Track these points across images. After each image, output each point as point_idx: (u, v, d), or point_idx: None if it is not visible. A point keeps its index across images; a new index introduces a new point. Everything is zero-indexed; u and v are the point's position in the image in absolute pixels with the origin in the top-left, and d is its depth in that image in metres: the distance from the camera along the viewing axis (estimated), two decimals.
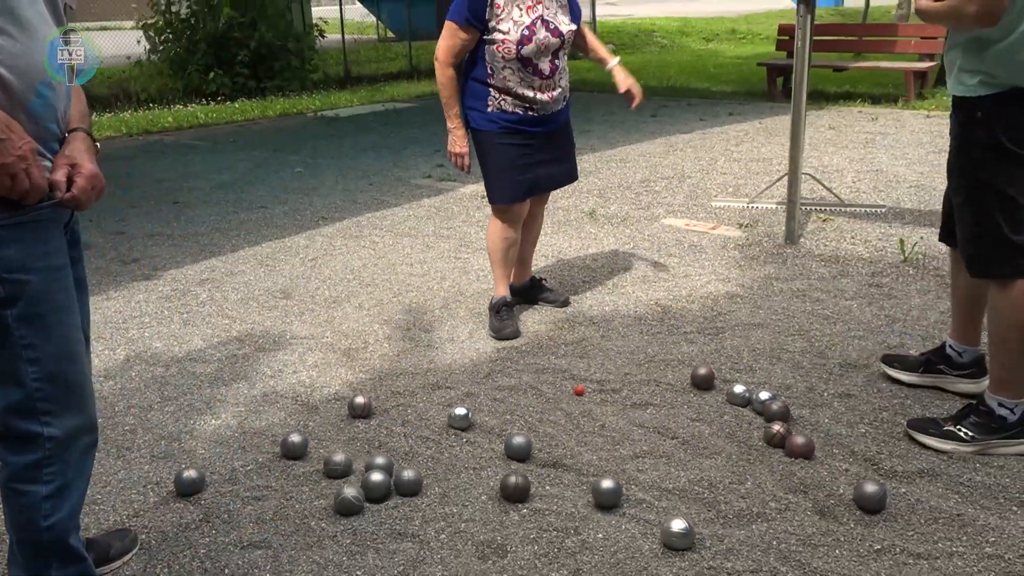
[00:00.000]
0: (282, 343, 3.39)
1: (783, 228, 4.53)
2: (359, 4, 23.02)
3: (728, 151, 6.93)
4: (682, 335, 3.33)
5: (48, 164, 1.56)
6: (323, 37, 14.31)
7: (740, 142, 7.30)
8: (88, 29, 25.13)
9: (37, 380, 1.56)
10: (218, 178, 6.62)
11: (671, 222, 4.95)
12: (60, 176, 1.54)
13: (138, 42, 12.24)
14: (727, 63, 15.19)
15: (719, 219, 4.96)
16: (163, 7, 12.07)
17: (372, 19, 22.65)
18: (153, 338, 3.49)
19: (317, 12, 19.10)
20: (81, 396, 1.65)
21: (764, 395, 2.68)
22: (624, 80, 3.39)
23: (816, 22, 10.14)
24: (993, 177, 2.30)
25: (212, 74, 11.69)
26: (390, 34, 21.44)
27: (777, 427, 2.48)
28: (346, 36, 15.40)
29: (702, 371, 2.87)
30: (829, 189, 5.22)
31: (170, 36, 12.17)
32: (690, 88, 11.57)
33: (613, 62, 3.41)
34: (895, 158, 6.37)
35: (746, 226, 4.78)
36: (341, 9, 15.99)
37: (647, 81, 12.61)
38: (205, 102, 11.17)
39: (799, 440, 2.41)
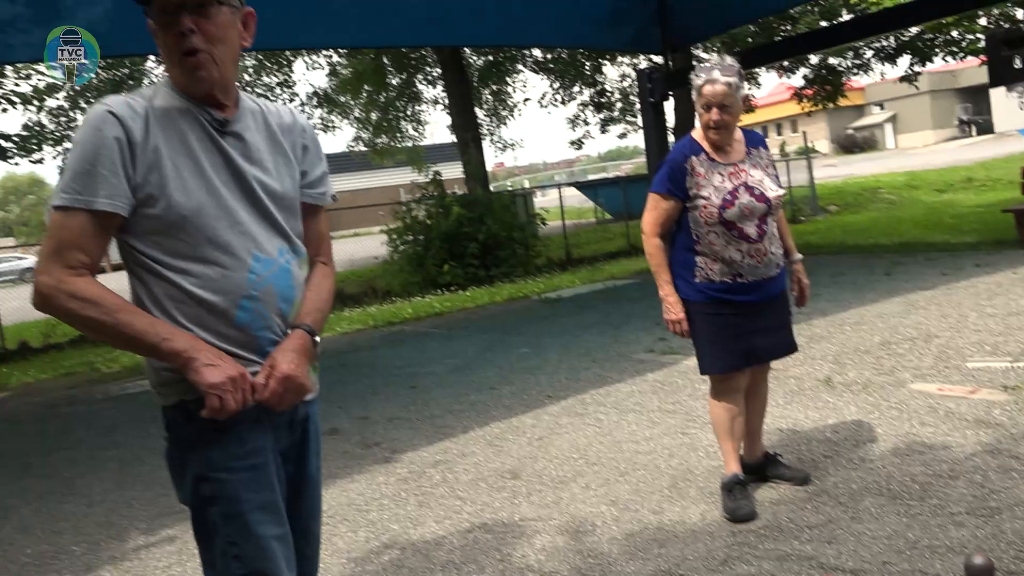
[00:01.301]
0: (511, 525, 3.38)
1: None
2: (577, 191, 24.31)
3: (980, 306, 6.33)
4: (948, 516, 2.93)
5: (258, 367, 1.68)
6: (544, 225, 15.17)
7: (993, 295, 6.67)
8: (342, 236, 28.43)
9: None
10: (451, 362, 7.00)
11: (921, 387, 4.52)
12: (260, 379, 1.65)
13: (383, 244, 13.67)
14: (967, 213, 14.25)
15: (978, 382, 4.47)
16: (404, 213, 13.44)
17: (591, 204, 23.77)
18: (391, 520, 3.61)
19: (540, 203, 20.45)
20: None
21: None
22: (802, 279, 3.45)
23: None
24: None
25: (446, 266, 12.68)
26: (608, 216, 22.34)
27: None
28: (566, 221, 16.25)
29: (978, 560, 2.48)
30: None
31: (409, 237, 13.46)
32: (926, 242, 10.90)
33: (798, 256, 3.44)
34: None
35: (1013, 388, 4.26)
36: (561, 198, 17.01)
37: (877, 238, 12.08)
38: (440, 292, 12.06)
39: None
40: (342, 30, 7.84)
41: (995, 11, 10.99)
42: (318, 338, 1.77)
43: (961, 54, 12.06)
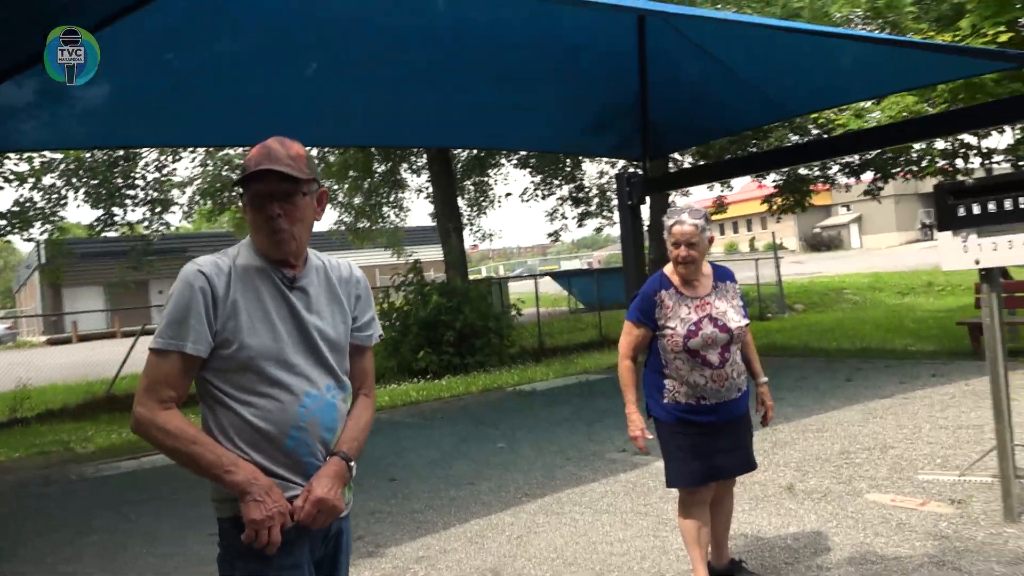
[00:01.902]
0: None
1: (1001, 505, 4.30)
2: (552, 279, 24.81)
3: (933, 417, 6.71)
4: None
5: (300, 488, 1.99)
6: (520, 315, 15.51)
7: (946, 407, 7.06)
8: None
9: None
10: (428, 454, 7.19)
11: (875, 498, 4.83)
12: (298, 503, 1.95)
13: None
14: (926, 317, 14.84)
15: (928, 494, 4.79)
16: (382, 299, 13.73)
17: (565, 293, 24.25)
18: None
19: (514, 287, 20.88)
20: None
21: None
22: (767, 400, 3.76)
23: (1016, 278, 9.94)
24: None
25: (422, 353, 12.90)
26: (580, 305, 22.80)
27: None
28: (540, 309, 16.63)
29: None
30: None
31: (386, 323, 13.71)
32: (887, 348, 11.37)
33: (763, 379, 3.76)
34: None
35: (959, 502, 4.58)
36: (536, 288, 17.43)
37: (840, 341, 12.55)
38: (415, 380, 12.26)
39: None
40: (331, 130, 8.21)
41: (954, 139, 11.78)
42: (353, 464, 2.07)
43: (920, 173, 12.81)
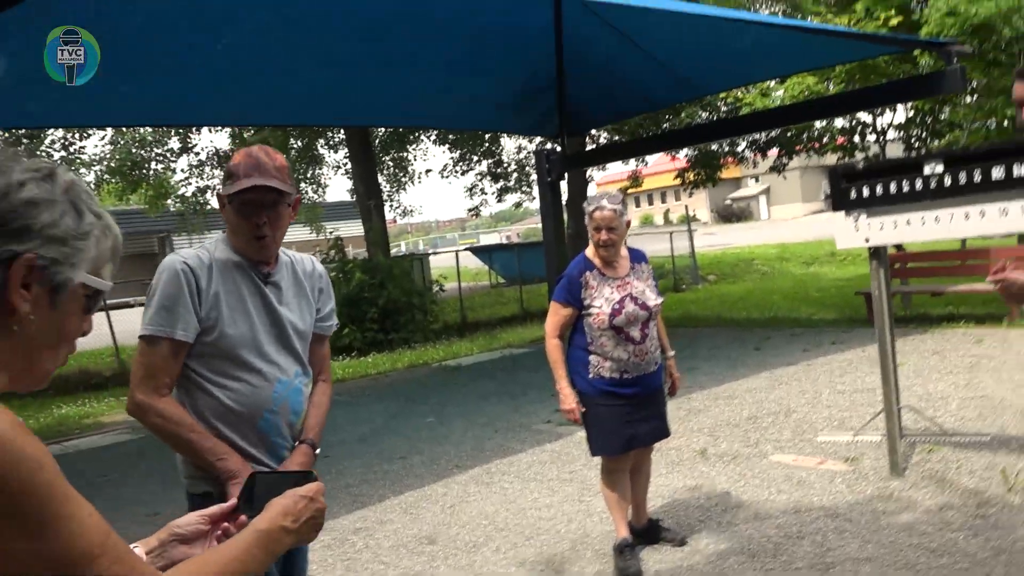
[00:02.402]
0: None
1: (887, 461, 4.76)
2: (472, 254, 24.98)
3: (832, 383, 7.23)
4: (794, 571, 3.58)
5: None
6: (443, 291, 15.68)
7: (844, 372, 7.60)
8: None
9: None
10: (359, 431, 7.36)
11: (779, 459, 5.25)
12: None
13: None
14: (829, 286, 15.63)
15: (826, 454, 5.24)
16: None
17: (486, 267, 24.47)
18: None
19: (435, 261, 21.01)
20: None
21: None
22: (673, 373, 4.08)
23: (913, 250, 10.66)
24: None
25: (346, 330, 12.96)
26: (502, 280, 23.09)
27: None
28: (462, 284, 16.83)
29: None
30: (931, 420, 5.45)
31: None
32: (792, 318, 12.00)
33: (671, 353, 4.07)
34: (1000, 382, 6.53)
35: (852, 460, 5.04)
36: (457, 262, 17.60)
37: (749, 312, 13.16)
38: (341, 357, 12.33)
39: None
40: (247, 108, 8.11)
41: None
42: (318, 450, 2.33)
43: (822, 150, 13.49)
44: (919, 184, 4.25)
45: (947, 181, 4.16)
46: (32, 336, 1.05)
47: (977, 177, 4.05)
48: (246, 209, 2.15)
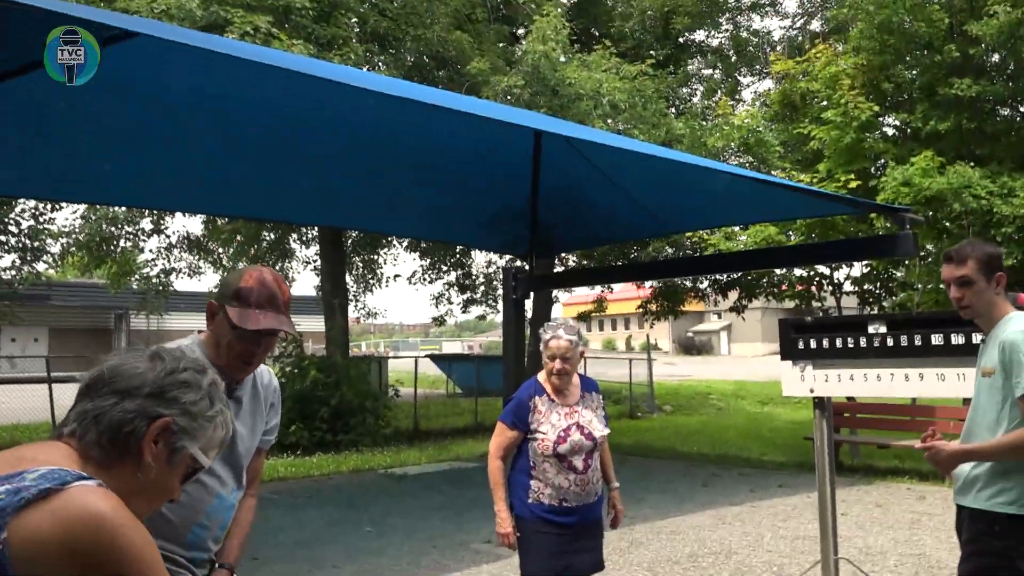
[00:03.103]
0: None
1: None
2: (432, 361, 24.92)
3: (776, 527, 7.24)
4: None
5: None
6: (398, 396, 15.56)
7: (788, 517, 7.62)
8: None
9: None
10: (295, 534, 7.15)
11: None
12: None
13: None
14: (782, 427, 15.81)
15: None
16: None
17: (444, 375, 24.37)
18: None
19: (393, 364, 20.86)
20: None
21: None
22: (617, 505, 4.08)
23: (863, 401, 10.89)
24: None
25: (293, 427, 12.73)
26: (459, 390, 22.96)
27: None
28: (418, 390, 16.70)
29: None
30: (867, 575, 5.46)
31: None
32: (743, 457, 12.06)
33: (615, 485, 4.08)
34: (940, 541, 6.58)
35: None
36: (416, 368, 17.54)
37: (701, 447, 13.21)
38: (286, 455, 12.07)
39: None
40: (224, 198, 8.21)
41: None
42: (235, 574, 2.31)
43: (782, 297, 13.91)
44: (863, 342, 4.43)
45: (890, 342, 4.34)
46: (145, 483, 1.36)
47: (917, 341, 4.24)
48: (248, 337, 2.13)
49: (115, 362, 1.41)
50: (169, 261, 17.96)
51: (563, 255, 16.94)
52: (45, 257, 15.90)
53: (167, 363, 1.41)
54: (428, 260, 20.75)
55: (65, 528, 1.18)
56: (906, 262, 11.31)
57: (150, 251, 22.55)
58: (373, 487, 9.75)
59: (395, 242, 19.71)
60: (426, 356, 25.42)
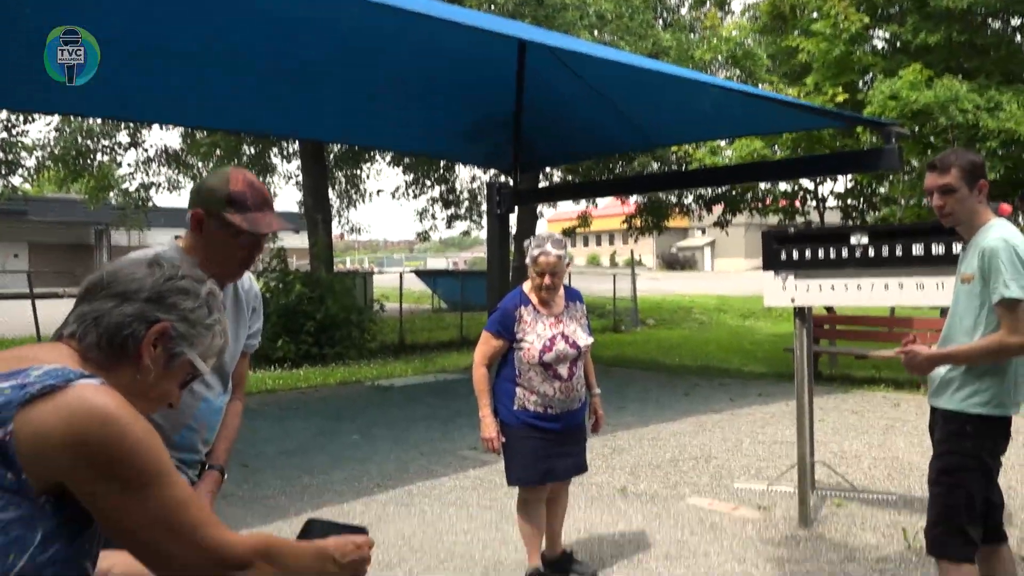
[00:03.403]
0: None
1: (798, 512, 4.94)
2: (417, 276, 24.98)
3: (754, 433, 7.44)
4: None
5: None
6: (383, 311, 15.64)
7: (766, 424, 7.83)
8: None
9: None
10: (283, 444, 7.29)
11: (695, 502, 5.39)
12: None
13: None
14: (763, 340, 16.07)
15: (740, 500, 5.39)
16: None
17: (429, 291, 24.47)
18: None
19: (378, 280, 20.92)
20: None
21: None
22: (598, 411, 4.17)
23: (842, 312, 11.07)
24: (969, 482, 2.86)
25: (280, 341, 12.82)
26: (443, 305, 23.10)
27: None
28: (404, 306, 16.80)
29: None
30: (842, 476, 5.66)
31: None
32: (723, 368, 12.30)
33: (596, 391, 4.16)
34: (912, 445, 6.81)
35: (764, 508, 5.20)
36: (401, 283, 17.59)
37: (683, 359, 13.44)
38: (273, 368, 12.19)
39: None
40: (204, 110, 8.06)
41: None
42: (226, 475, 2.38)
43: (766, 211, 13.96)
44: (845, 253, 4.48)
45: (871, 252, 4.40)
46: (144, 386, 1.42)
47: (898, 251, 4.30)
48: (249, 241, 2.13)
49: (114, 267, 1.43)
50: (148, 175, 17.71)
51: (548, 170, 16.86)
52: (20, 171, 15.64)
53: (165, 270, 1.43)
54: (412, 175, 20.58)
55: (71, 423, 1.20)
56: (890, 177, 11.34)
57: (128, 165, 22.10)
58: (360, 399, 9.90)
59: (378, 156, 19.50)
60: (411, 271, 25.46)
